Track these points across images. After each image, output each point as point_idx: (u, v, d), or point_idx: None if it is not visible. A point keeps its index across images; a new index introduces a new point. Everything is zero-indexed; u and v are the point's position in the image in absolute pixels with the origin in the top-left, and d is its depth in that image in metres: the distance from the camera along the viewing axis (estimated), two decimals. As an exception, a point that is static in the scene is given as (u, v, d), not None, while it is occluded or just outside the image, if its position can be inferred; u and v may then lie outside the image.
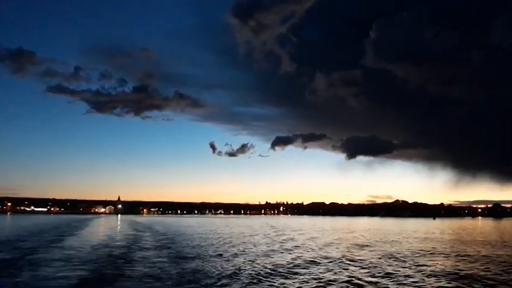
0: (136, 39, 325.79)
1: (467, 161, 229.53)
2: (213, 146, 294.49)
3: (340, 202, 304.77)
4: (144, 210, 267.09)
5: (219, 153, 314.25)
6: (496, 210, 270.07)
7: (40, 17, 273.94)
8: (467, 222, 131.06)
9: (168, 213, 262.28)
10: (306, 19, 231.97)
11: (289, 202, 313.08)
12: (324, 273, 18.92)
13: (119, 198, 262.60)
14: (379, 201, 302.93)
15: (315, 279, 17.32)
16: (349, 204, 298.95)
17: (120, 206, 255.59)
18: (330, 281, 16.97)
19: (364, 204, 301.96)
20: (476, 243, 38.51)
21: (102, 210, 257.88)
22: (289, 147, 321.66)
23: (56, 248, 29.09)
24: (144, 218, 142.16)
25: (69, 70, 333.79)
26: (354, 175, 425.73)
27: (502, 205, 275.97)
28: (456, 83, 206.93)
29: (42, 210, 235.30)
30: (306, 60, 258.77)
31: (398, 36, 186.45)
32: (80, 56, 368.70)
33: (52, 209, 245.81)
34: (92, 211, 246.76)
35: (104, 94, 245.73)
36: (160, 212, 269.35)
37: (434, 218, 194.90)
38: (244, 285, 15.70)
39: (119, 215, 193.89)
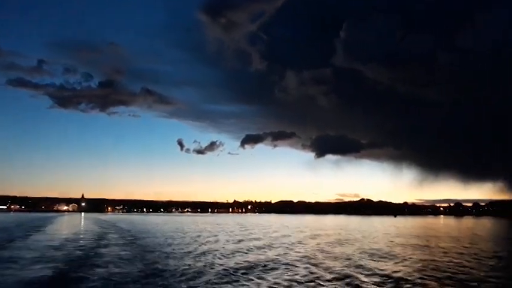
0: (105, 34, 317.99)
1: (432, 161, 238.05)
2: (181, 143, 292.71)
3: (308, 200, 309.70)
4: (109, 208, 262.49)
5: (187, 150, 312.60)
6: (457, 209, 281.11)
7: (2, 8, 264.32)
8: (427, 221, 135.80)
9: (134, 212, 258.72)
10: (277, 18, 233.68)
11: (257, 200, 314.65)
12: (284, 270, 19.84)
13: (82, 196, 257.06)
14: (347, 199, 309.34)
15: (280, 275, 18.24)
16: (317, 203, 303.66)
17: (83, 203, 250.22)
18: (295, 275, 17.95)
19: (331, 202, 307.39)
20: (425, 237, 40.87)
21: (65, 208, 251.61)
22: (259, 146, 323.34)
23: (20, 245, 28.91)
24: (109, 216, 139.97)
25: (31, 63, 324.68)
26: (322, 174, 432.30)
27: (464, 204, 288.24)
28: (425, 84, 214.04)
29: (2, 208, 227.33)
30: (276, 59, 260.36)
31: (368, 37, 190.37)
32: (43, 50, 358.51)
33: (12, 206, 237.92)
34: (55, 209, 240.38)
35: (68, 89, 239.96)
36: (125, 210, 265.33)
37: (395, 216, 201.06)
38: (210, 282, 15.77)
39: (83, 213, 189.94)
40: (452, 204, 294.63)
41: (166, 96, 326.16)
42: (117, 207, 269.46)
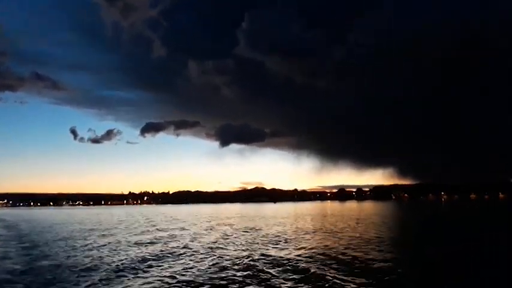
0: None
1: (330, 150, 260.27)
2: (74, 132, 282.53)
3: (206, 190, 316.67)
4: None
5: (81, 139, 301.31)
6: (341, 194, 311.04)
7: None
8: (306, 205, 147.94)
9: (20, 206, 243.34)
10: (178, 5, 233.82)
11: (155, 191, 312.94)
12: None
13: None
14: (251, 187, 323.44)
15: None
16: (215, 192, 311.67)
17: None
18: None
19: (230, 191, 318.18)
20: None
21: None
22: (161, 134, 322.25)
23: None
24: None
25: None
26: (227, 163, 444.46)
27: (346, 189, 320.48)
28: (320, 75, 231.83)
29: None
30: (178, 47, 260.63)
31: (269, 29, 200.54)
32: None
33: None
34: None
35: None
36: (9, 205, 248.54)
37: (275, 203, 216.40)
38: (101, 279, 15.13)
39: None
40: (336, 190, 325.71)
41: (57, 81, 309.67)
42: (0, 202, 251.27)
